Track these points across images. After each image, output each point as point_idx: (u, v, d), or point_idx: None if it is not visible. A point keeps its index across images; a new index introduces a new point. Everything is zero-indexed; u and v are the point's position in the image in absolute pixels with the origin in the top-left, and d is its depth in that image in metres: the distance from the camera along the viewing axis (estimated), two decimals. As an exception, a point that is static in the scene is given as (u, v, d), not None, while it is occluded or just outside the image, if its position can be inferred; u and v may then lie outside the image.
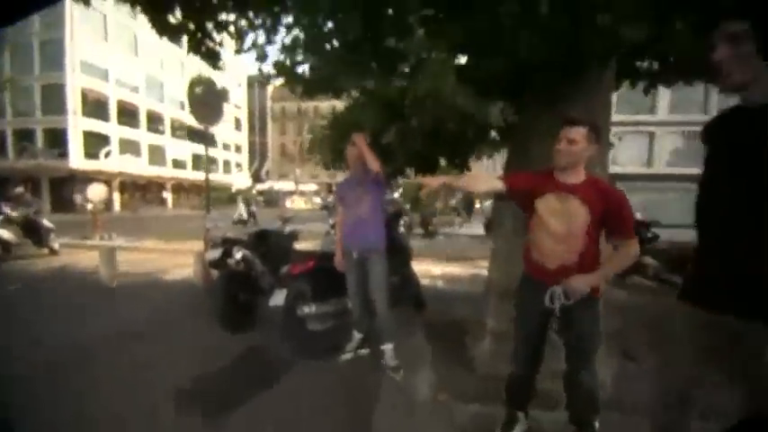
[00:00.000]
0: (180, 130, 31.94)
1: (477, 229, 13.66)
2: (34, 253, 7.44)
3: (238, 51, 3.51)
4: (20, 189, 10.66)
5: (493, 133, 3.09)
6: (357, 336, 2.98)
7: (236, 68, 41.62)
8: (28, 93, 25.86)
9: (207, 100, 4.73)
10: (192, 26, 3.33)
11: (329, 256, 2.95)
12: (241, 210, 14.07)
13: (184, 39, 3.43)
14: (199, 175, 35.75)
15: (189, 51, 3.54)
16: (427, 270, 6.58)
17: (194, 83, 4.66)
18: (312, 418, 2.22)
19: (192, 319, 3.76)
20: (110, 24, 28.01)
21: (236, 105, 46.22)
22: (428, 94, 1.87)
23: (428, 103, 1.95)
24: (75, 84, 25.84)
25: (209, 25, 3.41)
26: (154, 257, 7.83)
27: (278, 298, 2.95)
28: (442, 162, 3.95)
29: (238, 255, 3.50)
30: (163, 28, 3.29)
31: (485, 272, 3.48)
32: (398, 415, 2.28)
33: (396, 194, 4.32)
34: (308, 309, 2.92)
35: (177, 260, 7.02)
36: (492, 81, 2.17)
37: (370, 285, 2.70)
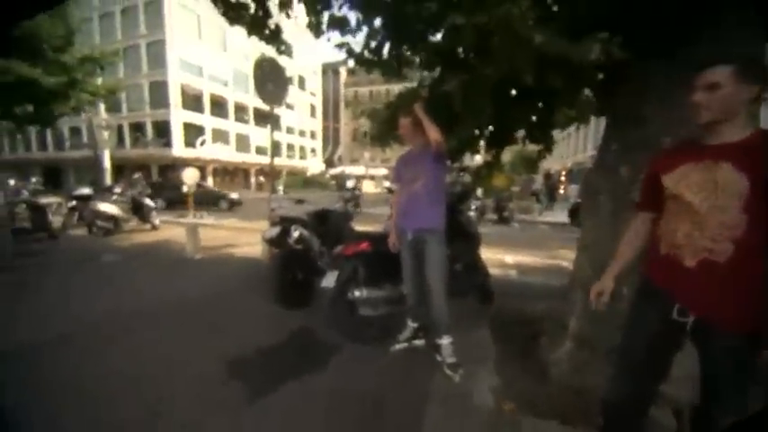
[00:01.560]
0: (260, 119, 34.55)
1: (560, 216, 12.33)
2: (138, 228, 8.56)
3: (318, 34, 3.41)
4: (138, 174, 12.50)
5: (586, 91, 2.41)
6: (411, 325, 2.69)
7: (311, 57, 43.22)
8: (139, 89, 29.97)
9: (271, 80, 4.74)
10: (251, 3, 3.27)
11: (385, 238, 2.70)
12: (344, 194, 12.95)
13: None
14: (279, 161, 38.51)
15: (250, 34, 3.49)
16: (499, 259, 6.02)
17: (259, 63, 4.69)
18: (352, 409, 2.02)
19: (251, 293, 3.86)
20: (203, 24, 30.97)
21: (312, 93, 48.26)
22: (496, 26, 1.42)
23: (495, 41, 1.50)
24: (175, 80, 29.31)
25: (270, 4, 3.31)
26: (235, 235, 8.48)
27: (330, 279, 2.79)
28: (520, 134, 3.35)
29: (295, 233, 3.45)
30: (226, 7, 3.28)
31: (566, 263, 2.91)
32: (454, 420, 1.97)
33: (465, 176, 3.86)
34: (359, 292, 2.71)
35: (253, 238, 7.48)
36: (589, 12, 1.62)
37: (426, 270, 2.38)
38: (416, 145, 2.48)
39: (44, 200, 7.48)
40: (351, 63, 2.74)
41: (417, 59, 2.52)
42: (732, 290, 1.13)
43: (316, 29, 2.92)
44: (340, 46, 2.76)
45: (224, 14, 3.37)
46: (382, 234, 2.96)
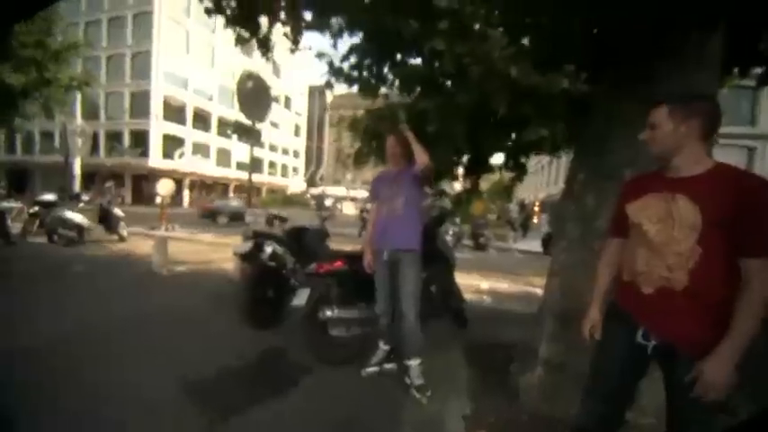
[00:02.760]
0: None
1: (534, 245, 12.64)
2: (104, 238, 8.14)
3: (293, 51, 3.47)
4: (110, 183, 12.02)
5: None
6: (383, 347, 2.63)
7: (299, 78, 43.94)
8: (119, 98, 29.53)
9: (255, 95, 4.77)
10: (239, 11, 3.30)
11: (360, 257, 2.67)
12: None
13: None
14: (259, 177, 38.07)
15: (237, 43, 3.52)
16: (475, 284, 6.06)
17: (243, 78, 4.71)
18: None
19: (219, 311, 3.69)
20: (192, 39, 31.15)
21: (297, 113, 48.69)
22: (471, 61, 1.50)
23: (473, 71, 1.58)
24: (159, 91, 29.02)
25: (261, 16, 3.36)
26: (206, 249, 8.19)
27: (301, 297, 2.72)
28: (498, 162, 3.46)
29: (269, 249, 3.36)
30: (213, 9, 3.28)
31: (539, 290, 2.96)
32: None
33: (443, 199, 3.92)
34: (331, 312, 2.64)
35: (226, 253, 7.25)
36: (558, 50, 1.73)
37: (401, 290, 2.36)
38: (398, 164, 2.51)
39: (4, 204, 7.05)
40: (332, 80, 2.78)
41: (394, 79, 2.60)
42: (688, 317, 1.16)
43: (294, 32, 2.97)
44: (320, 56, 2.81)
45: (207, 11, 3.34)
46: (357, 253, 2.93)
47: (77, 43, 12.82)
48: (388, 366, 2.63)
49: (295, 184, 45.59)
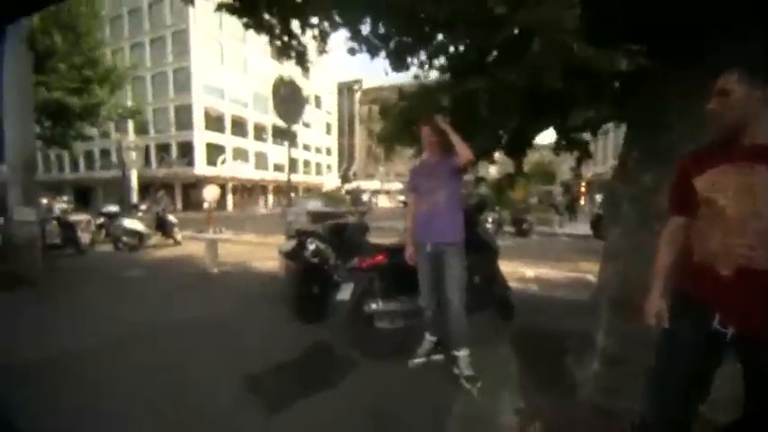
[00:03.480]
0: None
1: (581, 228, 11.98)
2: (162, 243, 8.81)
3: (321, 52, 3.52)
4: (161, 192, 12.96)
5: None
6: (429, 339, 2.62)
7: (328, 77, 44.47)
8: (165, 112, 31.72)
9: (289, 99, 4.89)
10: (277, 24, 3.38)
11: (401, 250, 2.67)
12: None
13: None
14: (295, 177, 39.24)
15: (278, 56, 3.62)
16: (519, 272, 5.87)
17: (278, 83, 4.85)
18: (369, 426, 1.94)
19: (267, 307, 3.85)
20: (225, 50, 32.61)
21: (328, 111, 49.43)
22: (540, 28, 1.36)
23: (535, 44, 1.45)
24: (199, 103, 30.80)
25: (295, 24, 3.42)
26: (252, 249, 8.60)
27: (345, 292, 2.77)
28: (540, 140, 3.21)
29: (311, 246, 3.45)
30: (252, 24, 3.40)
31: (590, 277, 2.79)
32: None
33: (481, 186, 3.81)
34: (376, 305, 2.67)
35: (271, 252, 7.57)
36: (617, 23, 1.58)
37: (445, 282, 2.33)
38: (434, 153, 2.46)
39: (74, 217, 7.82)
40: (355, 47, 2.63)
41: (428, 57, 2.46)
42: None
43: (323, 34, 2.95)
44: (352, 51, 2.73)
45: (252, 27, 3.44)
46: (398, 246, 2.93)
47: (118, 65, 13.73)
48: (436, 358, 2.61)
49: (329, 181, 46.45)
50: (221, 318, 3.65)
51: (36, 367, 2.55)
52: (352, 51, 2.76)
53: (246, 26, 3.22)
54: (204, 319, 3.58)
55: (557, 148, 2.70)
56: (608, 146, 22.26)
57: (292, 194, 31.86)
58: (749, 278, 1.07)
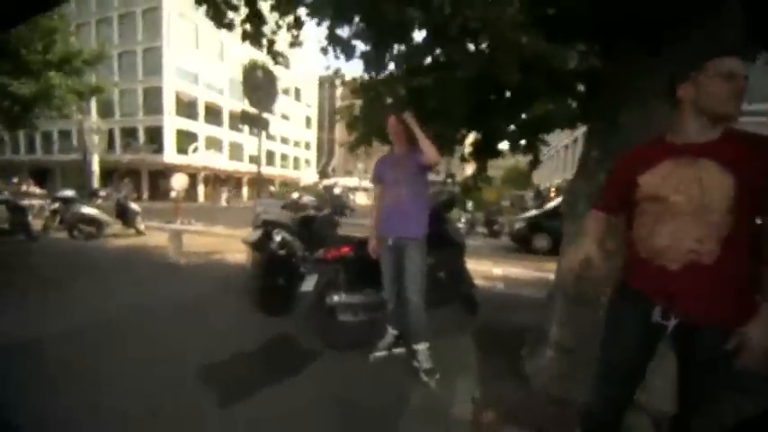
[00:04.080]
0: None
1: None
2: (122, 233, 8.36)
3: (293, 45, 3.45)
4: (126, 179, 12.29)
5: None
6: (391, 332, 2.63)
7: (308, 69, 43.69)
8: (133, 95, 29.94)
9: (262, 85, 4.75)
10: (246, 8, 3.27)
11: (367, 243, 2.65)
12: None
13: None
14: (272, 170, 38.39)
15: (244, 40, 3.50)
16: (487, 270, 6.00)
17: (250, 68, 4.70)
18: (328, 417, 1.93)
19: (230, 299, 3.76)
20: (200, 33, 31.23)
21: (308, 104, 48.59)
22: (483, 24, 1.41)
23: (482, 38, 1.49)
24: (170, 87, 29.32)
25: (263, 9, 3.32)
26: (221, 241, 8.33)
27: (309, 283, 2.73)
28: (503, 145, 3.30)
29: (278, 237, 3.38)
30: (217, 13, 3.28)
31: (552, 276, 2.89)
32: (432, 429, 1.90)
33: (451, 183, 3.85)
34: (339, 297, 2.65)
35: (239, 245, 7.37)
36: (570, 18, 1.63)
37: (405, 277, 2.33)
38: (401, 144, 2.44)
39: (25, 201, 7.29)
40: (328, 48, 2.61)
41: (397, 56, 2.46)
42: (720, 290, 1.10)
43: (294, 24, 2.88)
44: (324, 51, 2.69)
45: (215, 21, 3.34)
46: (365, 239, 2.91)
47: (83, 50, 12.70)
48: (397, 351, 2.62)
49: (307, 176, 45.78)
50: (180, 309, 3.51)
51: None
52: (324, 51, 2.69)
53: (198, 2, 3.08)
54: (160, 312, 3.43)
55: (513, 148, 2.76)
56: (576, 154, 23.16)
57: (272, 188, 31.25)
58: (697, 271, 1.10)
